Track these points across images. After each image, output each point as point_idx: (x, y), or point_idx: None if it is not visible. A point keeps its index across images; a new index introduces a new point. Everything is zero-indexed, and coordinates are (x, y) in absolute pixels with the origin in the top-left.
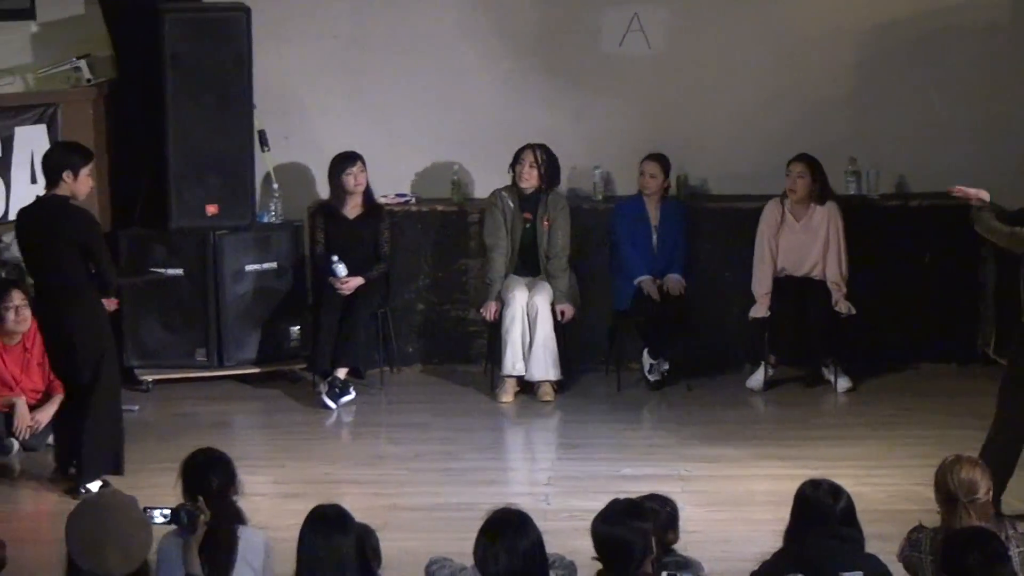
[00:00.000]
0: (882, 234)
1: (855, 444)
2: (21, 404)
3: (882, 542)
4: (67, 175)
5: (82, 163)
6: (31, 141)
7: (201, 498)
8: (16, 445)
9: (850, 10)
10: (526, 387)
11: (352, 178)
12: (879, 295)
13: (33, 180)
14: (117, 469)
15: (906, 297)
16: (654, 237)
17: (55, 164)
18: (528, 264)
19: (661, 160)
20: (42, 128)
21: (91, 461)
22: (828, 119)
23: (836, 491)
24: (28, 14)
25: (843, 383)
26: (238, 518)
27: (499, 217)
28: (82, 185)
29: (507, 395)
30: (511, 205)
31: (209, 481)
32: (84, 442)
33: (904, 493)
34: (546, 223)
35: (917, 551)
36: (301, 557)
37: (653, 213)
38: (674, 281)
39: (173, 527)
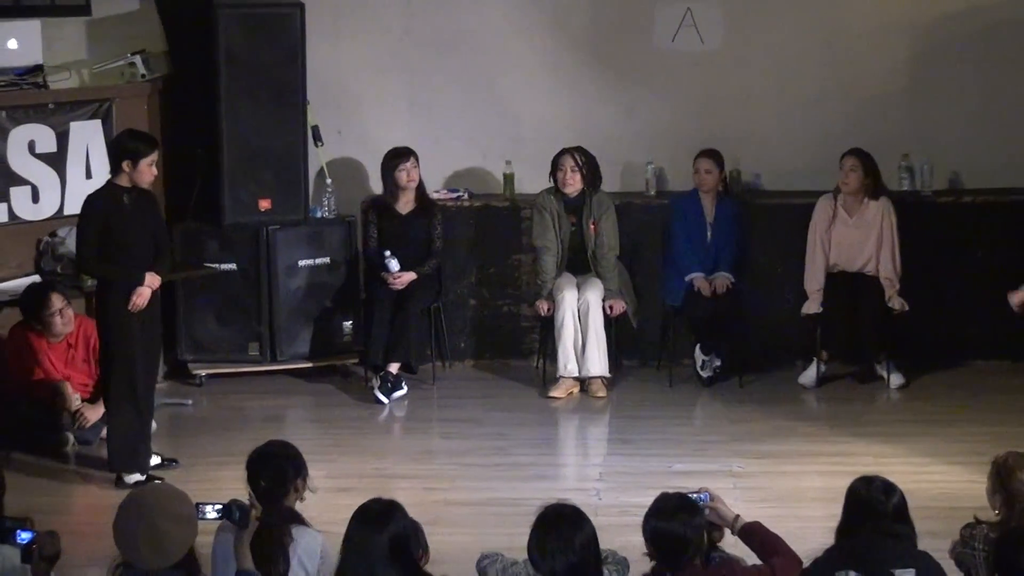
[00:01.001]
0: (935, 230)
1: (908, 441)
2: (66, 387)
3: (934, 539)
4: (126, 164)
5: (144, 152)
6: (86, 136)
7: (252, 493)
8: (71, 438)
9: (904, 4)
10: (579, 383)
11: (405, 173)
12: (932, 291)
13: (88, 175)
14: (134, 468)
15: (959, 293)
16: (708, 234)
17: (115, 152)
18: (578, 263)
19: (715, 156)
20: (97, 123)
21: (113, 456)
22: (881, 114)
23: (888, 488)
24: (84, 10)
25: (896, 379)
26: (292, 517)
27: (548, 219)
28: (142, 174)
29: (562, 392)
30: (557, 207)
31: (260, 478)
32: (109, 437)
33: (957, 490)
34: (592, 225)
35: (970, 548)
36: (345, 551)
37: (708, 210)
38: (722, 279)
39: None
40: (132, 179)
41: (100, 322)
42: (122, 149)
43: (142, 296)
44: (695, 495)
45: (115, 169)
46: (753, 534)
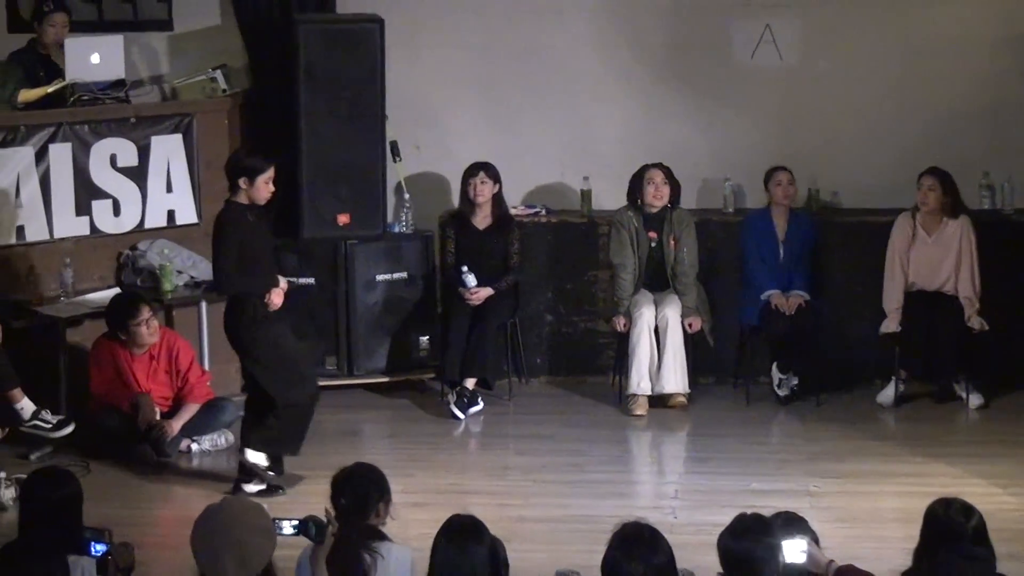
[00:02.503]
0: (1016, 249)
1: (987, 462)
2: (145, 400)
3: (1014, 562)
4: (243, 181)
5: (261, 168)
6: (167, 150)
7: (330, 510)
8: (150, 451)
9: (984, 21)
10: (655, 401)
11: (473, 188)
12: (1012, 311)
13: (168, 189)
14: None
15: None
16: (781, 251)
17: (232, 170)
18: (655, 280)
19: (787, 172)
20: (178, 138)
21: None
22: (962, 131)
23: (968, 510)
24: (166, 25)
25: (975, 400)
26: (374, 534)
27: (625, 237)
28: (259, 191)
29: (639, 409)
30: (636, 224)
31: (342, 496)
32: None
33: None
34: (672, 241)
35: None
36: (434, 565)
37: (780, 226)
38: (795, 297)
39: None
40: (249, 196)
41: (241, 337)
42: (239, 167)
43: (278, 295)
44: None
45: (233, 187)
46: None
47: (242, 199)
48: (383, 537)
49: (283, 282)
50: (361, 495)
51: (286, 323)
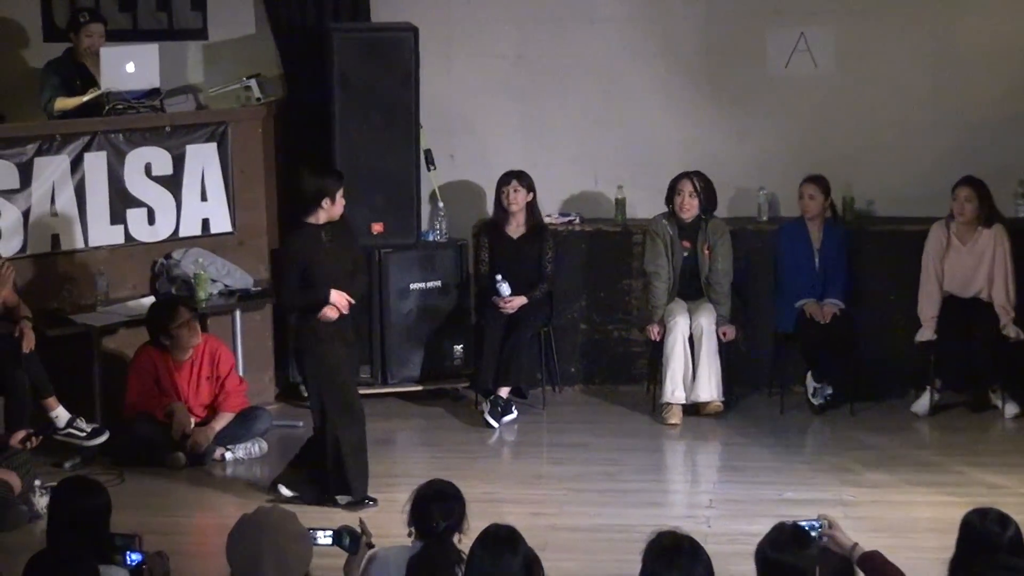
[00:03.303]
0: None
1: (1023, 471)
2: (180, 408)
3: None
4: (325, 202)
5: (335, 187)
6: (202, 159)
7: (362, 519)
8: (183, 459)
9: (1017, 29)
10: (690, 409)
11: (507, 196)
12: None
13: (203, 198)
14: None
15: None
16: (816, 260)
17: (311, 194)
18: (690, 289)
19: (819, 182)
20: (212, 147)
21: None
22: (996, 140)
23: (1004, 520)
24: (201, 34)
25: (1011, 409)
26: (455, 553)
27: (660, 245)
28: (338, 207)
29: (674, 418)
30: (671, 232)
31: (429, 516)
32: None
33: None
34: (707, 250)
35: None
36: (469, 573)
37: (815, 236)
38: (830, 306)
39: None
40: (329, 215)
41: (305, 354)
42: (317, 190)
43: (332, 309)
44: (812, 522)
45: (312, 209)
46: (872, 564)
47: (320, 219)
48: (461, 557)
49: (338, 296)
50: (457, 513)
51: (349, 350)
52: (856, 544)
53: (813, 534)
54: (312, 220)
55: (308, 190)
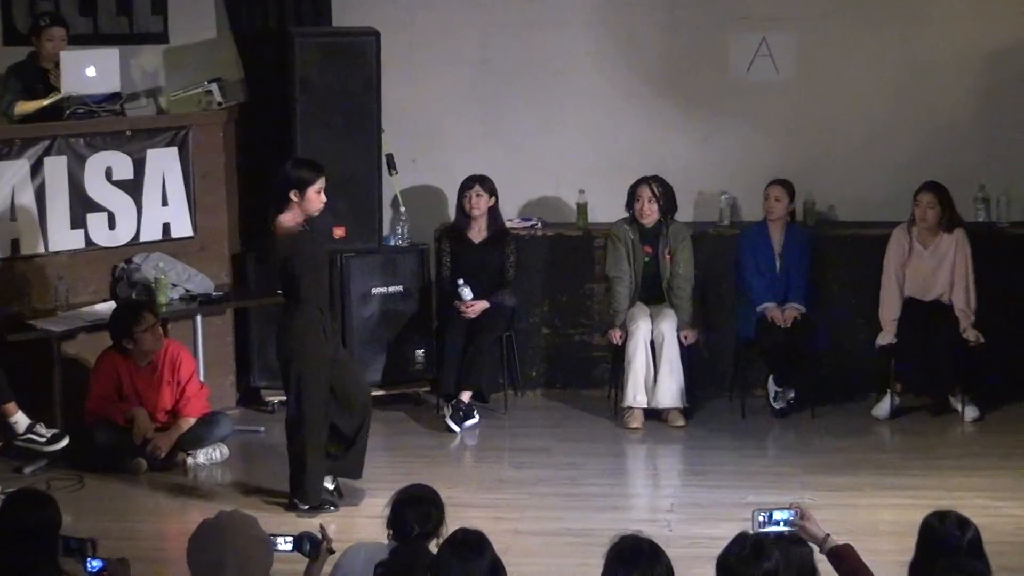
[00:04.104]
0: (1011, 262)
1: (983, 475)
2: (140, 414)
3: (1011, 575)
4: (294, 194)
5: (310, 179)
6: (163, 164)
7: (322, 525)
8: (144, 464)
9: (979, 34)
10: (652, 414)
11: (469, 201)
12: (1008, 323)
13: (164, 202)
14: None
15: None
16: (777, 263)
17: (281, 184)
18: (651, 294)
19: (786, 185)
20: (173, 151)
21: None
22: (957, 144)
23: (963, 523)
24: (161, 38)
25: (971, 412)
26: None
27: (621, 250)
28: (311, 202)
29: (635, 422)
30: (632, 237)
31: (407, 521)
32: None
33: None
34: (668, 255)
35: None
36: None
37: (777, 239)
38: (791, 309)
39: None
40: (302, 209)
41: (291, 350)
42: (288, 180)
43: None
44: (786, 511)
45: (283, 202)
46: (843, 559)
47: (294, 216)
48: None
49: None
50: (434, 519)
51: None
52: (828, 536)
53: (785, 528)
54: (286, 216)
55: (278, 181)
